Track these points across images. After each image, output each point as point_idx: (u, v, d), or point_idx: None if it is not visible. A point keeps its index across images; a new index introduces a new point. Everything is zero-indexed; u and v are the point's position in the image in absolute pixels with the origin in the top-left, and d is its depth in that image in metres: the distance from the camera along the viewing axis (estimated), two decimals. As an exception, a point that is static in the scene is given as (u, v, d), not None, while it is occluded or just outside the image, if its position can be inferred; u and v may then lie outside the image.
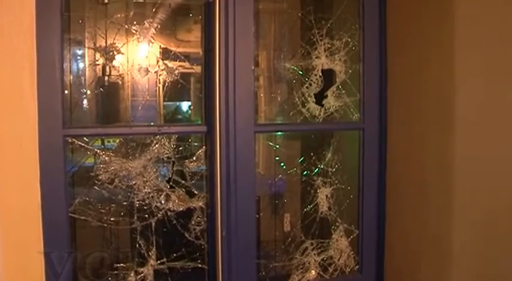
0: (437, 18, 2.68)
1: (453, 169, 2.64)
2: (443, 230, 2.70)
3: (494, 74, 2.46)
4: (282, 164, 3.59)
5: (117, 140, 2.87)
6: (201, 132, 2.83)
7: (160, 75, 2.89)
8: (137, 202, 2.77)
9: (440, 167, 2.71)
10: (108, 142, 2.92)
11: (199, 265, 2.87)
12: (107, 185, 2.72)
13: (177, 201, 2.84)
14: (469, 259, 2.59)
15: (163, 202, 2.81)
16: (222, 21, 2.67)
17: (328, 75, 3.07)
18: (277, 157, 3.55)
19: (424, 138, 2.80)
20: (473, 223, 2.56)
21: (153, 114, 3.13)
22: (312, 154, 3.35)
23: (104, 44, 2.84)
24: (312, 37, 3.04)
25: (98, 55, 2.90)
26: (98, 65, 2.93)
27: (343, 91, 3.08)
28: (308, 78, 3.05)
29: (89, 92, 3.06)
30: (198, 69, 2.94)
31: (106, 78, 2.98)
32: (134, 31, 2.76)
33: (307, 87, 3.06)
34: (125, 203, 2.81)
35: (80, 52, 2.96)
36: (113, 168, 2.73)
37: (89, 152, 2.71)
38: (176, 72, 2.87)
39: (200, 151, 2.85)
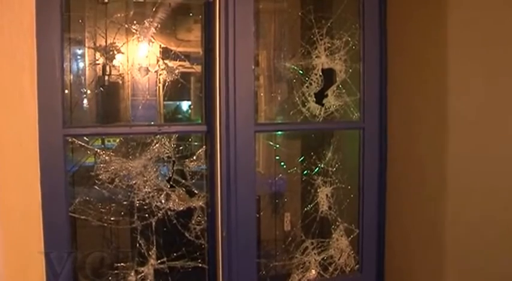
0: (437, 17, 2.68)
1: (453, 168, 2.64)
2: (443, 229, 2.70)
3: (494, 73, 2.45)
4: (282, 163, 3.58)
5: (118, 140, 2.86)
6: (201, 132, 2.83)
7: (160, 74, 2.89)
8: (137, 202, 2.77)
9: (440, 166, 2.71)
10: (109, 141, 2.92)
11: (200, 265, 2.88)
12: (107, 185, 2.72)
13: (177, 200, 2.84)
14: (469, 258, 2.59)
15: (163, 201, 2.81)
16: (222, 20, 2.67)
17: (328, 75, 3.07)
18: (277, 156, 3.55)
19: (424, 138, 2.80)
20: (473, 222, 2.56)
21: (153, 114, 3.13)
22: (312, 153, 3.35)
23: (104, 44, 2.84)
24: (312, 36, 3.04)
25: (98, 55, 2.90)
26: (98, 64, 2.93)
27: (343, 90, 3.07)
28: (308, 78, 3.05)
29: (89, 91, 3.06)
30: (198, 68, 2.95)
31: (106, 77, 2.98)
32: (134, 30, 2.76)
33: (307, 87, 3.05)
34: (125, 202, 2.81)
35: (80, 52, 2.96)
36: (113, 167, 2.73)
37: (89, 152, 2.71)
38: (176, 71, 2.87)
39: (200, 151, 2.85)
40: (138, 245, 2.81)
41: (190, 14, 3.27)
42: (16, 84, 2.19)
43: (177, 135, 2.81)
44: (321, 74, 3.04)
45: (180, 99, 3.62)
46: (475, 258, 2.56)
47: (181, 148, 2.87)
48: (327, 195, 3.17)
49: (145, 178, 2.77)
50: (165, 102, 3.24)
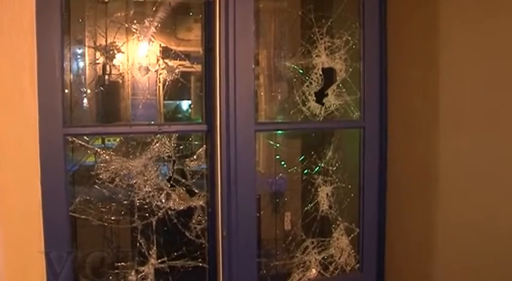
0: (438, 16, 2.68)
1: (453, 167, 2.64)
2: (444, 228, 2.70)
3: (495, 73, 2.45)
4: (282, 162, 3.58)
5: (118, 139, 2.86)
6: (202, 131, 2.83)
7: (160, 74, 2.89)
8: (138, 201, 2.77)
9: (440, 165, 2.71)
10: (109, 140, 2.92)
11: (200, 264, 2.88)
12: (107, 184, 2.72)
13: (177, 200, 2.84)
14: (470, 258, 2.58)
15: (163, 200, 2.81)
16: (222, 20, 2.67)
17: (329, 74, 3.07)
18: (277, 155, 3.55)
19: (424, 137, 2.79)
20: (474, 222, 2.55)
21: (153, 113, 3.12)
22: (312, 152, 3.35)
23: (104, 43, 2.84)
24: (312, 36, 3.04)
25: (98, 54, 2.90)
26: (98, 64, 2.93)
27: (344, 90, 3.07)
28: (308, 77, 3.05)
29: (89, 91, 3.06)
30: (198, 68, 2.94)
31: (106, 77, 2.98)
32: (134, 30, 2.76)
33: (307, 86, 3.05)
34: (125, 202, 2.81)
35: (80, 51, 2.95)
36: (113, 167, 2.73)
37: (89, 151, 2.71)
38: (176, 71, 2.87)
39: (200, 150, 2.85)
40: (138, 244, 2.81)
41: (191, 13, 3.27)
42: (16, 84, 2.20)
43: (177, 135, 2.81)
44: (321, 73, 3.04)
45: (180, 98, 3.62)
46: (476, 257, 2.56)
47: (181, 147, 2.87)
48: (327, 194, 3.17)
49: (145, 177, 2.77)
50: (165, 102, 3.24)
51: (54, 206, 2.39)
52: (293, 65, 3.19)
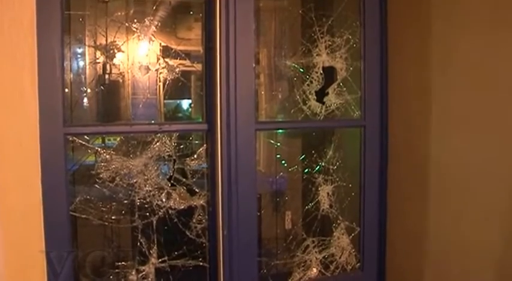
0: (438, 15, 2.68)
1: (454, 165, 2.64)
2: (445, 227, 2.70)
3: (496, 71, 2.45)
4: (283, 161, 3.58)
5: (118, 138, 2.86)
6: (202, 130, 2.83)
7: (160, 73, 2.88)
8: (138, 200, 2.77)
9: (441, 164, 2.71)
10: (109, 140, 2.92)
11: (201, 263, 2.88)
12: (107, 184, 2.72)
13: (178, 199, 2.83)
14: (470, 257, 2.58)
15: (164, 200, 2.81)
16: (222, 19, 2.66)
17: (329, 73, 3.07)
18: (278, 154, 3.55)
19: (425, 136, 2.79)
20: (474, 221, 2.55)
21: (153, 113, 3.12)
22: (313, 151, 3.35)
23: (104, 42, 2.83)
24: (312, 34, 3.04)
25: (98, 53, 2.89)
26: (99, 63, 2.92)
27: (344, 88, 3.07)
28: (309, 76, 3.05)
29: (89, 90, 3.06)
30: (198, 67, 2.94)
31: (106, 76, 2.98)
32: (135, 29, 2.76)
33: (308, 85, 3.05)
34: (126, 201, 2.80)
35: (80, 50, 2.95)
36: (113, 166, 2.72)
37: (89, 151, 2.71)
38: (177, 70, 2.87)
39: (201, 149, 2.85)
40: (139, 244, 2.81)
41: (191, 12, 3.26)
42: (16, 84, 2.19)
43: (177, 134, 2.81)
44: (321, 72, 3.04)
45: (180, 97, 3.62)
46: (476, 256, 2.56)
47: (182, 146, 2.87)
48: (328, 193, 3.17)
49: (146, 177, 2.77)
50: (165, 101, 3.24)
51: (54, 205, 2.38)
52: (294, 64, 3.18)
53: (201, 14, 2.86)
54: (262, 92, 3.58)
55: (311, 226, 3.21)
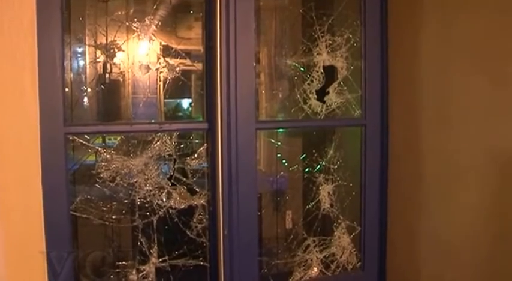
0: (439, 14, 2.68)
1: (455, 164, 2.63)
2: (445, 227, 2.70)
3: (496, 70, 2.44)
4: (283, 161, 3.58)
5: (118, 138, 2.86)
6: (203, 130, 2.83)
7: (161, 72, 2.88)
8: (139, 200, 2.77)
9: (441, 163, 2.71)
10: (109, 139, 2.91)
11: (201, 263, 2.87)
12: (108, 183, 2.72)
13: (178, 199, 2.83)
14: (471, 256, 2.58)
15: (164, 199, 2.80)
16: (223, 18, 2.66)
17: (330, 72, 3.07)
18: (278, 153, 3.54)
19: (426, 135, 2.79)
20: (475, 220, 2.55)
21: (154, 112, 3.12)
22: (313, 150, 3.35)
23: (104, 42, 2.83)
24: (313, 33, 3.03)
25: (98, 53, 2.89)
26: (99, 62, 2.92)
27: (345, 88, 3.07)
28: (309, 75, 3.04)
29: (89, 89, 3.05)
30: (199, 66, 2.94)
31: (107, 75, 2.97)
32: (135, 28, 2.76)
33: (308, 84, 3.05)
34: (126, 201, 2.80)
35: (80, 50, 2.95)
36: (114, 166, 2.72)
37: (90, 150, 2.70)
38: (177, 69, 2.86)
39: (201, 148, 2.84)
40: (139, 243, 2.81)
41: (191, 12, 3.26)
42: (17, 83, 2.19)
43: (178, 133, 2.81)
44: (322, 71, 3.04)
45: (181, 97, 3.61)
46: (477, 256, 2.55)
47: (182, 145, 2.86)
48: (328, 193, 3.17)
49: (146, 176, 2.77)
50: (165, 100, 3.23)
51: (55, 205, 2.38)
52: (294, 63, 3.18)
53: (201, 13, 2.85)
54: (263, 91, 3.57)
55: (312, 225, 3.21)
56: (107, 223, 2.82)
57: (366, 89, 3.02)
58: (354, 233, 3.14)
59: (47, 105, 2.32)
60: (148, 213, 2.80)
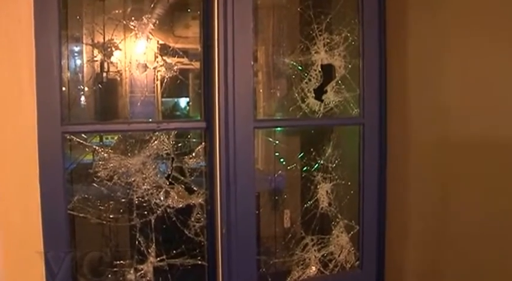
0: (437, 12, 2.67)
1: (454, 163, 2.63)
2: (444, 225, 2.70)
3: (494, 68, 2.44)
4: (281, 159, 3.58)
5: (116, 137, 2.86)
6: (200, 129, 2.82)
7: (158, 71, 2.87)
8: (136, 199, 2.76)
9: (440, 161, 2.70)
10: (107, 138, 2.91)
11: (199, 262, 2.86)
12: (105, 182, 2.71)
13: (176, 198, 2.83)
14: (470, 255, 2.58)
15: (162, 198, 2.80)
16: (220, 16, 2.65)
17: (328, 71, 3.06)
18: (276, 152, 3.54)
19: (424, 133, 2.79)
20: (473, 219, 2.55)
21: (151, 111, 3.12)
22: (311, 149, 3.35)
23: (101, 40, 2.82)
24: (311, 32, 3.03)
25: (96, 51, 2.88)
26: (96, 61, 2.92)
27: (343, 86, 3.07)
28: (307, 74, 3.04)
29: (87, 88, 3.04)
30: (196, 65, 2.93)
31: (104, 74, 2.97)
32: (132, 27, 2.74)
33: (306, 83, 3.05)
34: (124, 200, 2.79)
35: (77, 48, 2.94)
36: (111, 165, 2.71)
37: (87, 149, 2.70)
38: (175, 68, 2.85)
39: (199, 147, 2.84)
40: (137, 242, 2.80)
41: (188, 10, 3.26)
42: (14, 83, 2.18)
43: (175, 132, 2.80)
44: (320, 69, 3.04)
45: (178, 95, 3.61)
46: (476, 255, 2.55)
47: (180, 144, 2.85)
48: (326, 191, 3.17)
49: (144, 175, 2.76)
50: (163, 99, 3.23)
51: (52, 204, 2.36)
52: (292, 62, 3.18)
53: (198, 12, 2.84)
54: (261, 90, 3.57)
55: (310, 224, 3.21)
56: (104, 222, 2.82)
57: (364, 87, 3.02)
58: (352, 232, 3.14)
59: (44, 105, 2.31)
60: (146, 212, 2.79)
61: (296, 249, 3.16)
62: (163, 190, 2.80)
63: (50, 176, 2.34)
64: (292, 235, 3.33)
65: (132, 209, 2.79)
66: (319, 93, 3.06)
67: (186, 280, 2.88)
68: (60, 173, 2.40)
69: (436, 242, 2.75)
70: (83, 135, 2.63)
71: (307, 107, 3.04)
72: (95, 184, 2.71)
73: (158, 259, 2.82)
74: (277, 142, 3.53)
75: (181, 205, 2.82)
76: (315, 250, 3.14)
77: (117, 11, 2.79)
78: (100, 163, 2.70)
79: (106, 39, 2.81)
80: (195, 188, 2.86)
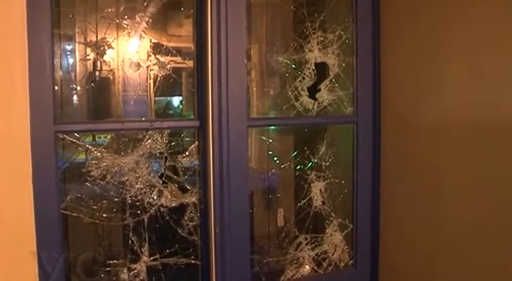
0: (431, 10, 2.67)
1: (448, 162, 2.63)
2: (438, 224, 2.70)
3: (490, 66, 2.44)
4: (275, 158, 3.57)
5: (109, 136, 2.85)
6: (194, 127, 2.81)
7: (151, 70, 2.87)
8: (129, 198, 2.75)
9: (434, 160, 2.70)
10: (100, 137, 2.90)
11: (193, 261, 2.86)
12: (98, 181, 2.70)
13: (169, 197, 2.82)
14: (464, 254, 2.58)
15: (155, 197, 2.79)
16: (213, 15, 2.65)
17: (321, 69, 3.06)
18: (270, 151, 3.54)
19: (418, 132, 2.79)
20: (467, 218, 2.55)
21: (144, 110, 3.11)
22: (305, 148, 3.35)
23: (94, 39, 2.81)
24: (304, 30, 3.03)
25: (88, 50, 2.87)
26: (89, 60, 2.91)
27: (337, 84, 3.07)
28: (301, 72, 3.04)
29: (79, 87, 3.03)
30: (190, 63, 2.92)
31: (97, 73, 2.96)
32: (125, 25, 2.74)
33: (300, 81, 3.04)
34: (117, 199, 2.79)
35: (70, 47, 2.93)
36: (104, 164, 2.71)
37: (80, 148, 2.69)
38: (168, 67, 2.85)
39: (193, 146, 2.83)
40: (130, 242, 2.79)
41: (182, 9, 3.25)
42: (7, 82, 2.17)
43: (169, 131, 2.79)
44: (313, 68, 3.04)
45: (171, 94, 3.60)
46: (470, 253, 2.55)
47: (173, 143, 2.85)
48: (320, 190, 3.17)
49: (137, 174, 2.76)
50: (156, 98, 3.22)
51: (45, 204, 2.36)
52: (285, 60, 3.18)
53: (192, 10, 2.83)
54: (254, 89, 3.57)
55: (303, 223, 3.21)
56: (97, 221, 2.81)
57: (357, 86, 3.02)
58: (346, 231, 3.14)
59: (37, 104, 2.30)
60: (139, 211, 2.79)
61: (290, 248, 3.16)
62: (157, 189, 2.80)
63: (42, 176, 2.34)
64: (285, 234, 3.33)
65: (125, 209, 2.78)
66: (313, 91, 3.06)
67: (180, 279, 2.88)
68: (53, 172, 2.40)
69: (431, 241, 2.75)
70: (75, 134, 2.63)
71: (300, 106, 3.04)
72: (88, 183, 2.71)
73: (151, 258, 2.82)
74: (270, 140, 3.52)
75: (174, 204, 2.82)
76: (308, 249, 3.14)
77: (110, 10, 2.78)
78: (93, 162, 2.69)
79: (99, 37, 2.80)
80: (188, 187, 2.85)
